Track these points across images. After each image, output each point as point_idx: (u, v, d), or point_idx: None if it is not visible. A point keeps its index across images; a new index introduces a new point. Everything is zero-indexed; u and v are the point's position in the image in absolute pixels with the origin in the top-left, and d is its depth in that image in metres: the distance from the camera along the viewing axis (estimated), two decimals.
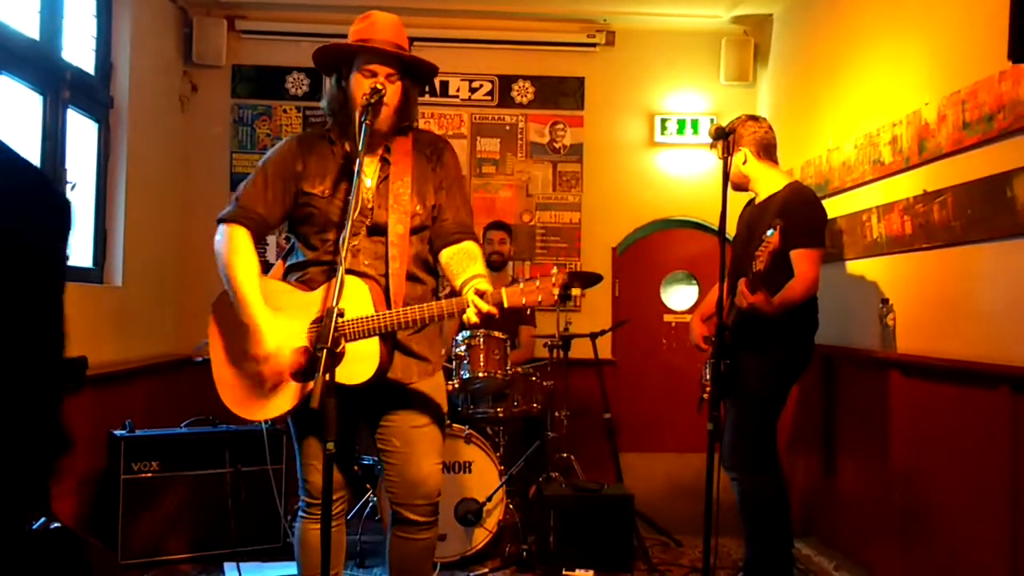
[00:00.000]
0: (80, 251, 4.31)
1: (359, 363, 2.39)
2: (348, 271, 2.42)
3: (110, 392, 4.23)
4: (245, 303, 2.43)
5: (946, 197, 3.24)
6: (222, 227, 2.53)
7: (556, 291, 2.29)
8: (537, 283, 2.31)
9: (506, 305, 2.32)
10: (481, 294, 2.32)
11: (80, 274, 4.24)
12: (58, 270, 1.28)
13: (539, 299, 2.31)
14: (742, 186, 3.60)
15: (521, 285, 2.33)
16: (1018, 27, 2.37)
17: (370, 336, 2.38)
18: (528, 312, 5.15)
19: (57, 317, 1.24)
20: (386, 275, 2.51)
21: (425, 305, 2.38)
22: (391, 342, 2.50)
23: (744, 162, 3.54)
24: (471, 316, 2.31)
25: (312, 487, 2.60)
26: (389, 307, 2.44)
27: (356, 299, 2.40)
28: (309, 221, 2.56)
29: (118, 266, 4.54)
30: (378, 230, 2.54)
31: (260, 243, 2.56)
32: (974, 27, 3.13)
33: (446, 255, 2.61)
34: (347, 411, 2.51)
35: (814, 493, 4.49)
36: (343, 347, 2.35)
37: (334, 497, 2.53)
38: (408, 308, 2.38)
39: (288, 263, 2.64)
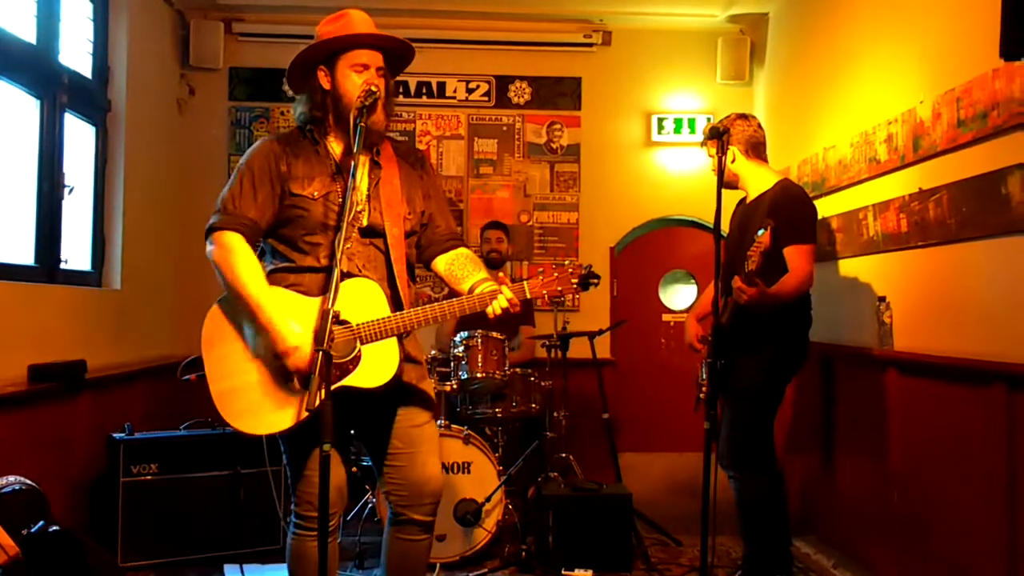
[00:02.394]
0: (78, 255, 4.32)
1: (380, 365, 2.38)
2: (351, 274, 2.42)
3: (109, 395, 4.23)
4: (258, 306, 2.35)
5: (941, 195, 3.25)
6: (213, 237, 2.45)
7: (575, 281, 2.37)
8: (555, 274, 2.39)
9: (528, 296, 2.41)
10: (510, 288, 2.39)
11: (79, 277, 4.25)
12: None
13: (559, 289, 2.38)
14: (732, 184, 3.62)
15: (541, 277, 2.41)
16: (1009, 25, 2.38)
17: (389, 337, 2.38)
18: (527, 313, 5.16)
19: None
20: (390, 277, 2.51)
21: (447, 302, 2.40)
22: (402, 345, 2.48)
23: (733, 160, 3.55)
24: (496, 309, 2.38)
25: (307, 495, 2.51)
26: (400, 309, 2.44)
27: (371, 300, 2.39)
28: (296, 224, 2.48)
29: (116, 269, 4.55)
30: (372, 232, 2.52)
31: (254, 249, 2.48)
32: (968, 25, 3.14)
33: (443, 262, 2.63)
34: (342, 419, 2.49)
35: (813, 491, 4.50)
36: (359, 351, 2.35)
37: (331, 512, 2.50)
38: (428, 307, 2.38)
39: (267, 266, 2.51)
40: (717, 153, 2.85)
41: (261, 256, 2.56)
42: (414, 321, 2.38)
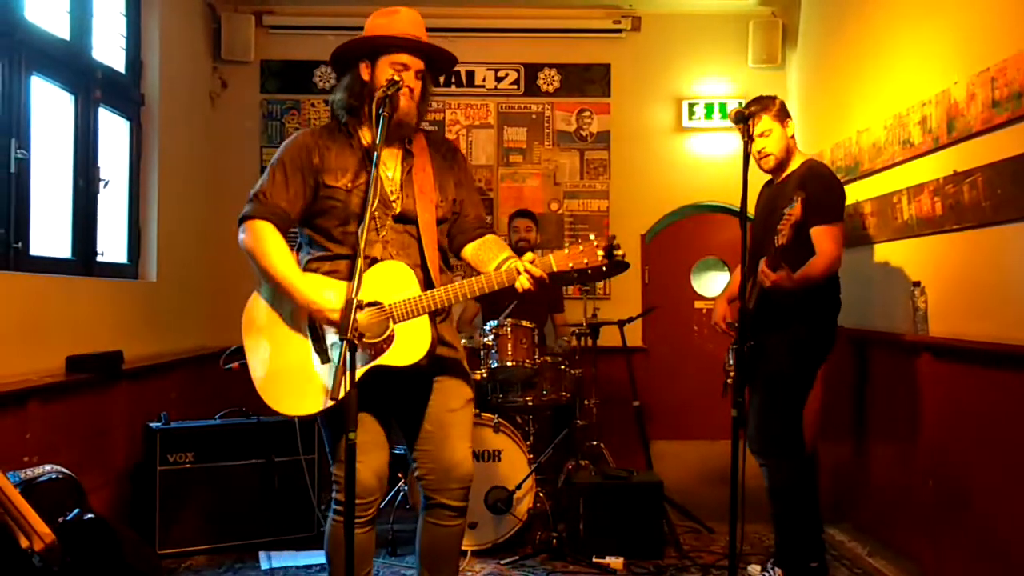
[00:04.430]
0: (115, 247, 4.39)
1: (413, 343, 2.42)
2: (378, 260, 2.47)
3: (145, 385, 4.31)
4: (291, 284, 2.44)
5: (976, 177, 3.19)
6: (245, 225, 2.54)
7: (601, 252, 2.33)
8: (581, 247, 2.36)
9: (555, 269, 2.38)
10: (532, 261, 2.38)
11: (115, 270, 4.32)
12: None
13: (585, 261, 2.35)
14: (788, 159, 3.55)
15: (567, 250, 2.38)
16: None
17: (420, 315, 2.42)
18: (556, 298, 5.16)
19: None
20: (422, 262, 2.54)
21: (474, 279, 2.42)
22: (435, 325, 2.52)
23: (792, 135, 3.53)
24: (524, 282, 2.38)
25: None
26: (437, 288, 2.47)
27: (402, 281, 2.45)
28: (330, 214, 2.56)
29: (152, 261, 4.62)
30: (406, 219, 2.56)
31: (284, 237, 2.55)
32: (1002, 3, 3.07)
33: (470, 249, 2.65)
34: (382, 403, 2.54)
35: (846, 478, 4.45)
36: (391, 330, 2.40)
37: (369, 499, 2.56)
38: (457, 283, 2.42)
39: (304, 258, 2.61)
40: (743, 136, 2.82)
41: (298, 248, 2.67)
42: (445, 298, 2.41)
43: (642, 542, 3.97)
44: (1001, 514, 3.05)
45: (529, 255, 2.42)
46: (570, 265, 2.36)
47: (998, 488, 3.07)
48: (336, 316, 2.38)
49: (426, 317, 2.43)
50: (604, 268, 2.37)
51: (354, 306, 2.16)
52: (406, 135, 2.60)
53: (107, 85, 4.18)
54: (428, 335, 2.43)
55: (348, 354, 2.14)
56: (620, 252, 2.37)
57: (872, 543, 4.03)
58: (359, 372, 2.35)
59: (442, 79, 5.70)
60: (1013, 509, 2.97)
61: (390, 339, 2.42)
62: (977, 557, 3.20)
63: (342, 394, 2.14)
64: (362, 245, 2.24)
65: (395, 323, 2.40)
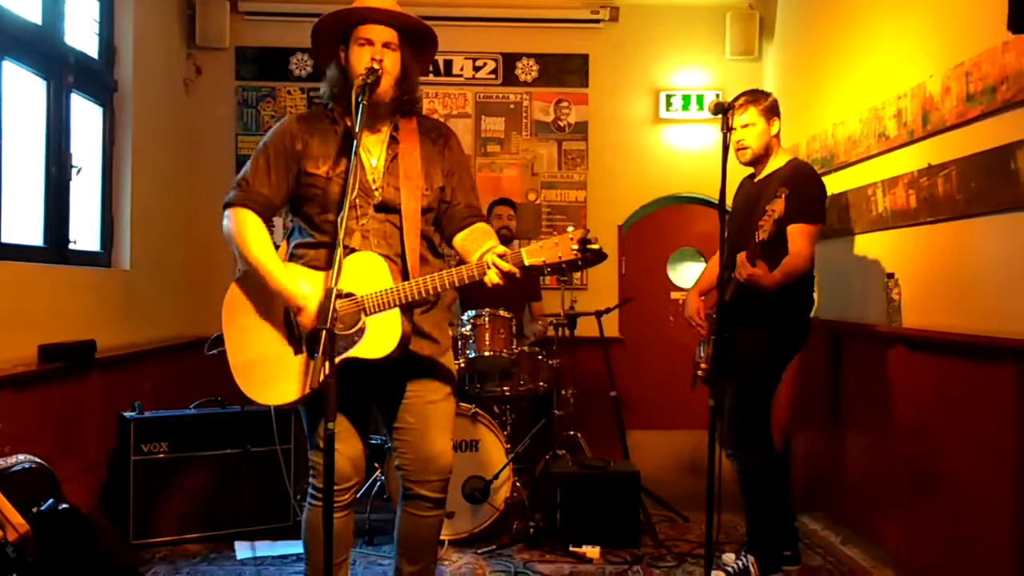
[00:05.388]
0: (88, 235, 4.33)
1: (382, 336, 2.39)
2: (354, 250, 2.44)
3: (119, 375, 4.26)
4: (269, 273, 2.43)
5: (950, 170, 3.22)
6: (228, 212, 2.53)
7: (575, 247, 2.25)
8: (555, 240, 2.27)
9: (526, 263, 2.29)
10: (501, 255, 2.31)
11: (88, 258, 4.27)
12: None
13: (559, 255, 2.26)
14: (766, 156, 3.57)
15: (540, 243, 2.30)
16: None
17: (391, 308, 2.39)
18: (533, 288, 5.16)
19: None
20: (402, 252, 2.51)
21: (445, 272, 2.38)
22: (409, 317, 2.50)
23: (776, 134, 3.55)
24: (493, 277, 2.31)
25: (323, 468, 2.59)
26: (409, 280, 2.45)
27: (375, 273, 2.41)
28: (312, 202, 2.55)
29: (125, 250, 4.56)
30: (387, 208, 2.54)
31: (268, 225, 2.55)
32: None
33: (459, 238, 2.61)
34: (360, 392, 2.53)
35: (820, 468, 4.50)
36: (363, 322, 2.37)
37: (346, 486, 2.57)
38: (428, 276, 2.37)
39: (292, 244, 2.62)
40: (722, 128, 2.83)
41: (290, 234, 2.66)
42: (416, 291, 2.37)
43: (618, 531, 3.99)
44: (972, 503, 3.10)
45: (501, 248, 2.37)
46: (543, 259, 2.28)
47: (969, 478, 3.12)
48: (307, 305, 2.38)
49: (397, 310, 2.40)
50: (579, 262, 2.30)
51: (333, 295, 2.14)
52: (384, 115, 2.56)
53: (80, 70, 4.12)
54: (398, 328, 2.40)
55: (327, 343, 2.12)
56: (595, 246, 2.29)
57: (845, 531, 4.08)
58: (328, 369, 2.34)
59: None
60: (983, 499, 3.02)
61: (361, 331, 2.40)
62: (948, 546, 3.26)
63: (309, 386, 2.12)
64: (341, 234, 2.21)
65: (367, 315, 2.38)
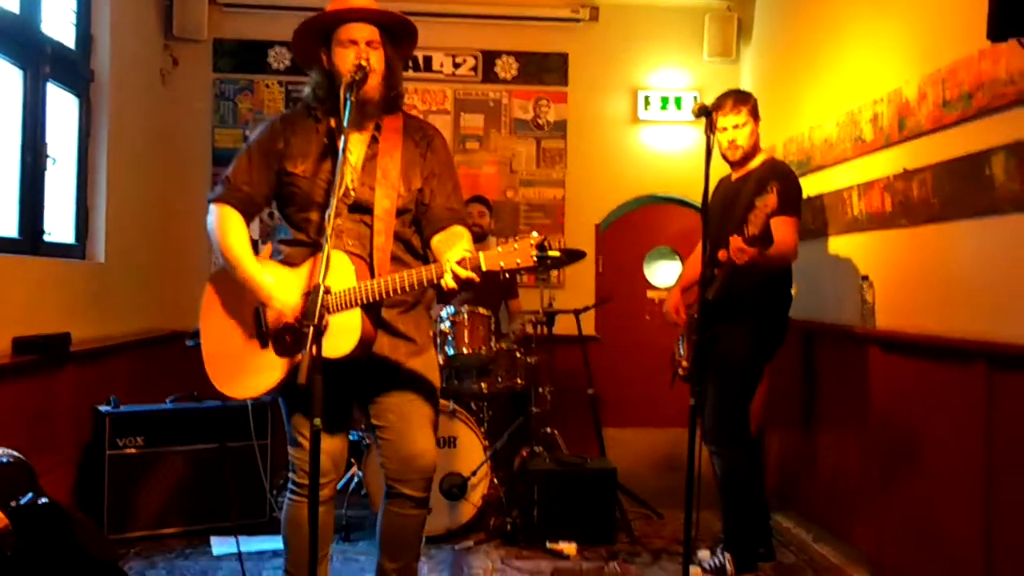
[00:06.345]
0: (62, 227, 4.28)
1: (341, 336, 2.38)
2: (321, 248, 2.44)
3: (93, 368, 4.22)
4: (242, 269, 2.47)
5: (925, 175, 3.28)
6: (211, 207, 2.56)
7: (534, 252, 2.21)
8: (515, 245, 2.24)
9: (484, 268, 2.26)
10: (460, 260, 2.27)
11: (62, 250, 4.22)
12: None
13: (517, 261, 2.22)
14: (753, 154, 3.64)
15: (499, 248, 2.26)
16: (997, 6, 2.40)
17: (352, 307, 2.38)
18: (510, 285, 5.17)
19: None
20: (370, 252, 2.52)
21: (405, 273, 2.35)
22: (375, 316, 2.49)
23: (758, 134, 3.65)
24: (448, 281, 2.28)
25: (302, 463, 2.59)
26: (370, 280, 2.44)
27: (339, 273, 2.40)
28: (291, 201, 2.58)
29: (100, 242, 4.51)
30: (360, 208, 2.53)
31: (252, 221, 2.59)
32: (954, 6, 3.16)
33: (436, 240, 2.60)
34: (340, 390, 2.54)
35: (793, 467, 4.56)
36: (327, 320, 2.36)
37: (323, 481, 2.55)
38: (388, 277, 2.36)
39: (276, 240, 2.65)
40: (706, 131, 2.85)
41: (276, 232, 2.69)
42: (377, 291, 2.35)
43: (595, 527, 4.02)
44: (942, 503, 3.17)
45: (461, 252, 2.31)
46: (501, 264, 2.24)
47: (940, 477, 3.18)
48: (273, 294, 2.44)
49: (358, 310, 2.39)
50: (538, 268, 2.28)
51: (321, 292, 2.15)
52: (370, 114, 2.56)
53: (56, 60, 4.07)
54: (358, 328, 2.39)
55: (313, 340, 2.12)
56: (554, 252, 2.24)
57: (816, 529, 4.14)
58: (298, 358, 2.38)
59: None
60: (954, 498, 3.08)
61: (324, 330, 2.39)
62: (918, 544, 3.32)
63: (297, 382, 2.11)
64: (329, 231, 2.21)
65: (330, 314, 2.34)
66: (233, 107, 5.62)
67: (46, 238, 4.02)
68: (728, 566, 3.55)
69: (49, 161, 4.03)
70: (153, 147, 5.25)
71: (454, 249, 2.37)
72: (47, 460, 3.70)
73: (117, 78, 4.63)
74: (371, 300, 2.38)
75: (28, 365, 3.58)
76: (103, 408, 3.98)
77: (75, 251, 4.39)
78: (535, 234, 2.25)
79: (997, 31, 2.38)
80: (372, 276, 2.46)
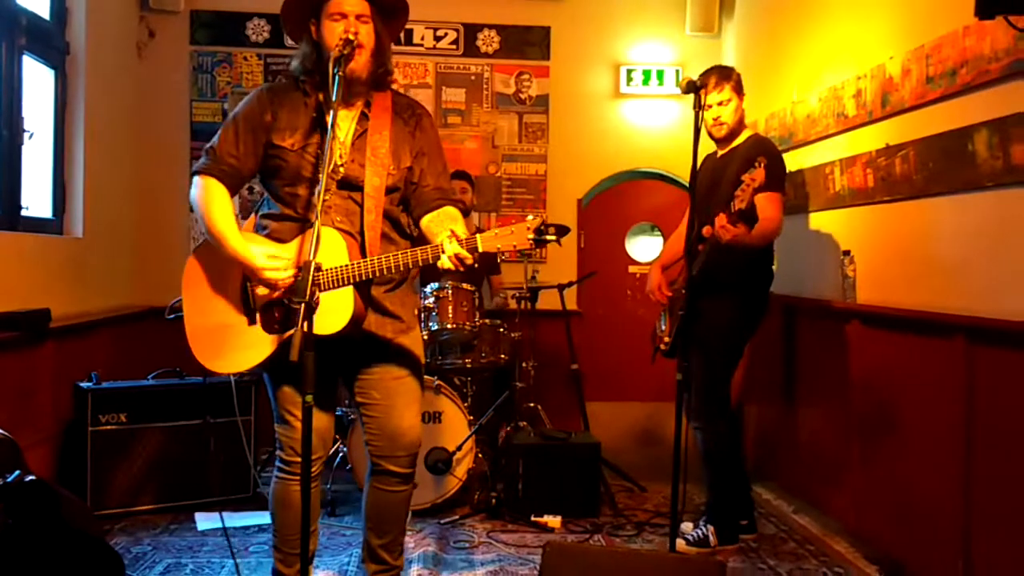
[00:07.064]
0: (39, 202, 4.22)
1: (333, 313, 2.39)
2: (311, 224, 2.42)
3: (73, 344, 4.18)
4: (229, 243, 2.43)
5: (908, 151, 3.30)
6: (196, 179, 2.52)
7: (530, 235, 2.26)
8: (512, 228, 2.28)
9: (480, 249, 2.30)
10: (459, 242, 2.30)
11: (39, 225, 4.17)
12: None
13: (514, 244, 2.28)
14: (739, 131, 3.66)
15: (496, 230, 2.31)
16: None
17: (345, 285, 2.38)
18: (495, 261, 5.17)
19: None
20: (361, 229, 2.50)
21: (400, 252, 2.37)
22: (366, 295, 2.50)
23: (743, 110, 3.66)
24: (445, 262, 2.31)
25: (289, 440, 2.58)
26: (364, 259, 2.44)
27: (332, 250, 2.40)
28: (278, 174, 2.55)
29: (78, 217, 4.46)
30: (349, 185, 2.52)
31: (236, 194, 2.56)
32: None
33: (426, 220, 2.60)
34: (326, 366, 2.53)
35: (773, 440, 4.62)
36: (318, 298, 2.35)
37: (314, 457, 2.56)
38: (383, 256, 2.37)
39: (260, 214, 2.62)
40: (695, 106, 2.85)
41: (259, 206, 2.66)
42: (369, 270, 2.37)
43: (579, 501, 4.06)
44: (921, 475, 3.22)
45: (461, 232, 2.35)
46: (498, 247, 2.29)
47: (920, 449, 3.23)
48: (266, 279, 2.40)
49: (350, 288, 2.40)
50: (532, 249, 2.33)
51: (311, 269, 2.14)
52: (359, 91, 2.54)
53: (32, 32, 3.99)
54: (350, 305, 2.40)
55: (305, 316, 2.12)
56: (551, 236, 2.32)
57: (797, 501, 4.20)
58: (287, 335, 2.37)
59: None
60: (933, 469, 3.13)
61: (315, 307, 2.38)
62: (897, 515, 3.38)
63: (290, 359, 2.11)
64: (319, 208, 2.20)
65: (321, 291, 2.36)
66: (211, 80, 5.54)
67: (23, 213, 3.97)
68: (711, 538, 3.60)
69: (26, 135, 3.97)
70: (130, 120, 5.18)
71: (456, 228, 2.38)
72: (28, 436, 3.65)
73: (93, 50, 4.55)
74: (365, 278, 2.38)
75: (7, 342, 3.55)
76: (84, 384, 3.96)
77: (52, 226, 4.34)
78: (531, 217, 2.30)
79: (985, 8, 2.39)
80: (363, 254, 2.46)
